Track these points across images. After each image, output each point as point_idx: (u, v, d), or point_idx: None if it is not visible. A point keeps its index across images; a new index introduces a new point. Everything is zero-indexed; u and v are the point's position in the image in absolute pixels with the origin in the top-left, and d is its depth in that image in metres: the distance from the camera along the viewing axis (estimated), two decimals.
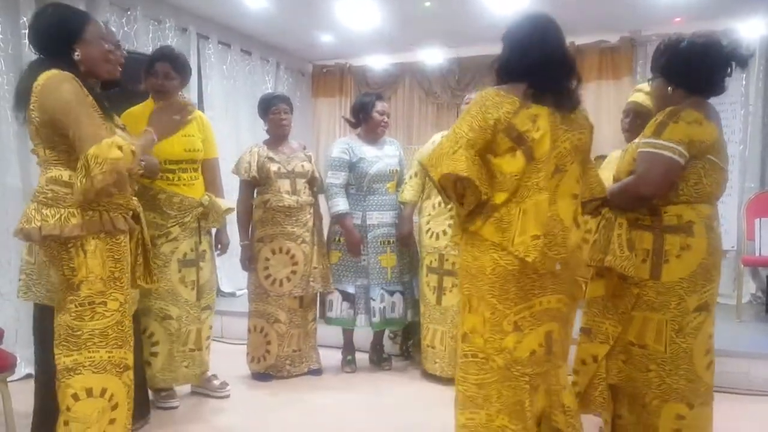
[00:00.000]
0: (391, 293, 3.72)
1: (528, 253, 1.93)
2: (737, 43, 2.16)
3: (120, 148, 1.88)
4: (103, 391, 2.01)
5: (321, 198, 3.79)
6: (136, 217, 2.14)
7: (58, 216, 1.93)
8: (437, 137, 3.55)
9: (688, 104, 2.10)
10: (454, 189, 2.01)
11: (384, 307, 3.70)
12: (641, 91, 2.67)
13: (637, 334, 2.15)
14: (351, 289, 3.70)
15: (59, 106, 1.92)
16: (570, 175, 2.01)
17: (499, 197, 1.97)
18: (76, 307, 1.97)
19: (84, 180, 1.87)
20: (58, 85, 1.93)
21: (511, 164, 1.96)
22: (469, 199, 2.00)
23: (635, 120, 2.65)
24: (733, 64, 2.13)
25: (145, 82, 3.07)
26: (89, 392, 1.99)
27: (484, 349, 2.01)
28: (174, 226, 3.03)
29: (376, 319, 3.70)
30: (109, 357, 2.02)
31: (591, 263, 2.20)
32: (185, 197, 3.06)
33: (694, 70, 2.12)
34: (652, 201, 2.11)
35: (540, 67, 1.97)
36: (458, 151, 1.94)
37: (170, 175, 3.02)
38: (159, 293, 3.01)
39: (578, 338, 2.28)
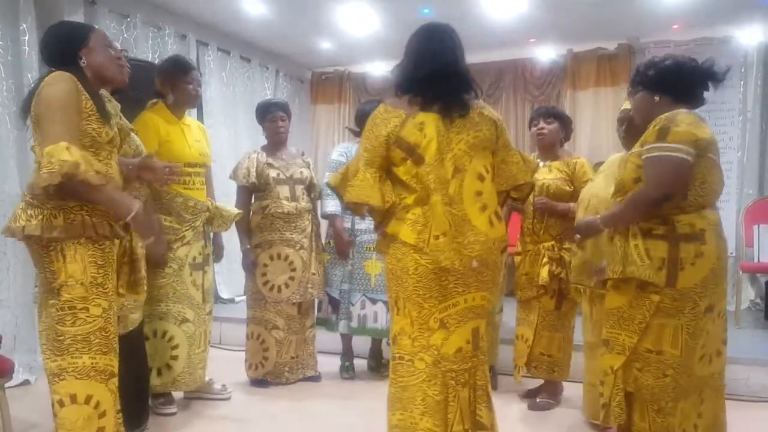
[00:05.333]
0: (374, 301, 3.67)
1: (436, 252, 2.04)
2: (712, 62, 2.28)
3: (70, 153, 1.85)
4: (88, 398, 1.99)
5: (319, 205, 3.79)
6: (126, 226, 2.13)
7: (41, 216, 1.94)
8: None
9: (679, 110, 2.18)
10: (360, 209, 2.23)
11: (364, 315, 3.67)
12: None
13: (654, 341, 2.18)
14: (335, 294, 3.70)
15: (43, 100, 1.95)
16: (470, 173, 2.12)
17: (410, 199, 2.11)
18: (57, 311, 1.97)
19: (35, 176, 1.89)
20: (54, 82, 1.97)
21: (407, 171, 2.11)
22: (375, 213, 2.18)
23: (630, 127, 2.68)
24: (708, 82, 2.26)
25: (174, 92, 3.08)
26: (73, 398, 1.97)
27: (411, 351, 2.12)
28: (188, 230, 3.05)
29: (354, 324, 3.68)
30: (92, 363, 2.00)
31: (611, 275, 2.24)
32: (198, 201, 3.10)
33: (683, 79, 2.25)
34: (663, 206, 2.13)
35: (432, 77, 2.10)
36: (357, 174, 2.13)
37: (186, 179, 3.03)
38: (177, 297, 3.03)
39: (601, 350, 2.33)
